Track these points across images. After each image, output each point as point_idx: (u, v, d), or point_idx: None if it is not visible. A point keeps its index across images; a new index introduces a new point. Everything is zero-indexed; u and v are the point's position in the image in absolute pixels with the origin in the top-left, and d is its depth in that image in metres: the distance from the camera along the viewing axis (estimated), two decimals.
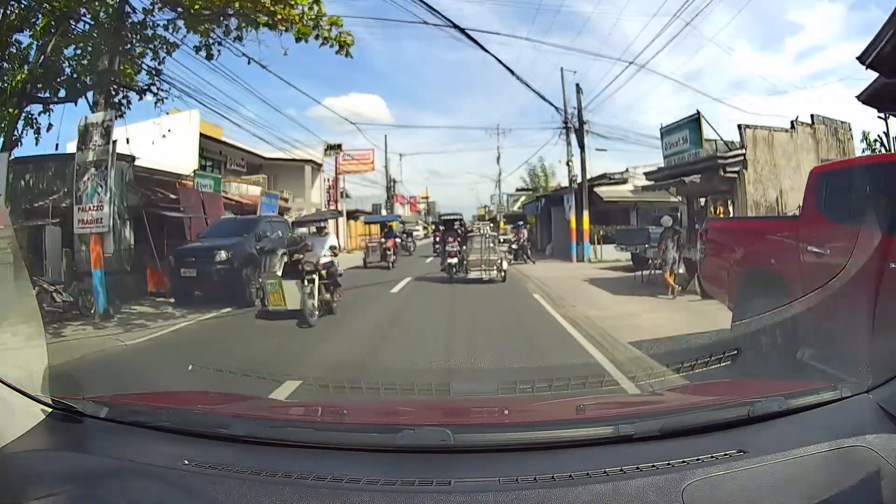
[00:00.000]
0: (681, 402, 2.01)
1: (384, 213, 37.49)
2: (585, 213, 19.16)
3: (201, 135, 20.10)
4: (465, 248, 13.24)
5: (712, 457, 1.22)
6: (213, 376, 4.06)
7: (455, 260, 13.10)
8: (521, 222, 19.87)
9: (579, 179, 19.79)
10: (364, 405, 2.64)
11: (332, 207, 29.88)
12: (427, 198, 70.85)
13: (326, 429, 1.51)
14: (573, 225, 19.53)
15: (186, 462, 1.29)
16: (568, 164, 20.08)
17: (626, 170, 21.05)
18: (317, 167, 30.19)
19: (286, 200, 24.52)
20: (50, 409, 1.49)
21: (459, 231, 14.09)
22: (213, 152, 22.97)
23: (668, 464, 1.20)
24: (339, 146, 32.02)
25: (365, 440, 1.40)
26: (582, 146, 19.64)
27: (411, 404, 2.63)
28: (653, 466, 1.19)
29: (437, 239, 22.36)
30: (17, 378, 1.60)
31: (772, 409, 1.41)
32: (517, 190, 46.30)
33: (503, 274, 12.85)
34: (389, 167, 38.29)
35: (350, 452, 1.36)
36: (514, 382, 3.73)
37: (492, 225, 20.33)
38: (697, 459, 1.21)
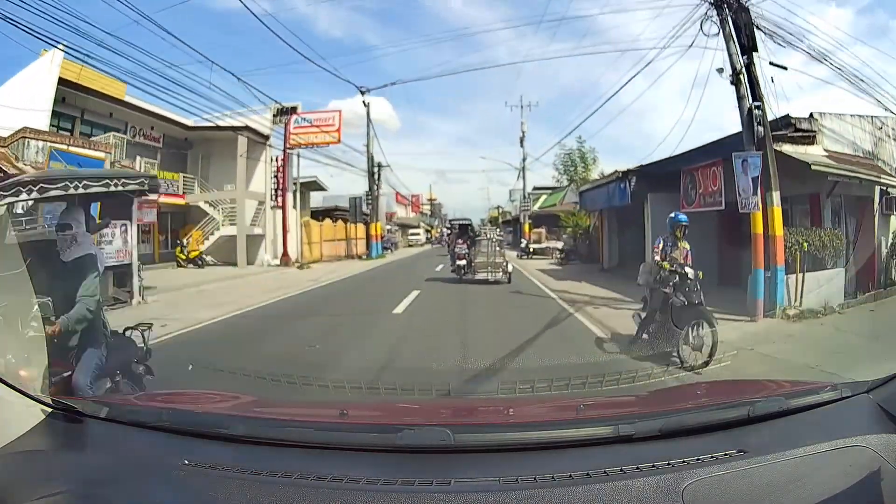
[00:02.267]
0: (681, 402, 2.01)
1: (366, 208, 27.99)
2: (776, 199, 8.13)
3: (86, 89, 14.39)
4: (472, 250, 14.05)
5: (712, 457, 1.22)
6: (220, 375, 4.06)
7: (464, 262, 13.92)
8: (678, 216, 6.13)
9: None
10: (364, 405, 2.64)
11: (279, 200, 21.50)
12: (434, 199, 67.96)
13: (326, 429, 1.51)
14: (758, 228, 8.14)
15: (186, 462, 1.29)
16: (736, 82, 8.39)
17: (811, 115, 9.61)
18: (260, 139, 21.21)
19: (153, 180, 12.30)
20: (50, 409, 1.49)
21: (470, 234, 14.95)
22: (100, 115, 16.29)
23: (668, 464, 1.20)
24: (294, 109, 21.99)
25: (365, 440, 1.40)
26: (751, 45, 8.32)
27: (411, 404, 2.63)
28: (653, 466, 1.19)
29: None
30: (17, 378, 1.61)
31: (772, 409, 1.41)
32: (535, 188, 38.16)
33: (508, 276, 13.56)
34: (372, 144, 27.13)
35: (350, 452, 1.36)
36: (514, 382, 3.74)
37: (499, 230, 19.67)
38: (697, 459, 1.21)
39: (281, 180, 21.82)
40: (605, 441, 1.35)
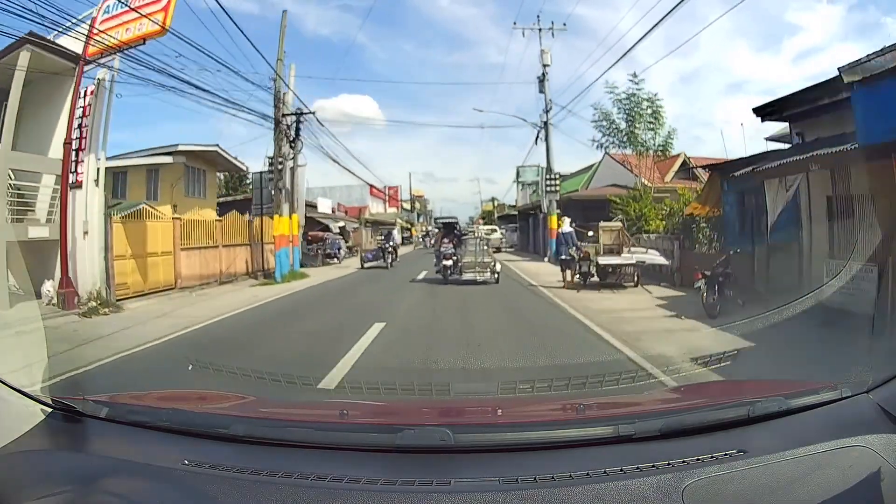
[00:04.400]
0: (681, 402, 2.01)
1: (267, 190, 16.57)
2: None
3: None
4: (459, 250, 13.45)
5: (712, 457, 1.22)
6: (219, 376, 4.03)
7: (450, 262, 13.26)
8: None
9: None
10: (364, 405, 2.64)
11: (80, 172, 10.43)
12: (421, 195, 61.81)
13: (326, 429, 1.51)
14: None
15: (186, 462, 1.29)
16: None
17: None
18: (64, 58, 10.62)
19: None
20: (50, 409, 1.49)
21: (456, 233, 14.46)
22: None
23: (669, 464, 1.20)
24: None
25: (365, 440, 1.40)
26: None
27: (411, 404, 2.64)
28: (653, 466, 1.19)
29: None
30: (17, 377, 1.61)
31: (772, 409, 1.41)
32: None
33: (496, 276, 12.87)
34: (284, 69, 16.37)
35: (350, 452, 1.36)
36: (514, 382, 3.75)
37: (497, 229, 17.91)
38: (697, 459, 1.21)
39: (84, 130, 10.75)
40: (605, 441, 1.35)
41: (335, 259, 23.15)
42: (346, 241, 27.32)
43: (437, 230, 19.01)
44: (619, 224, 13.48)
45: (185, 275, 13.83)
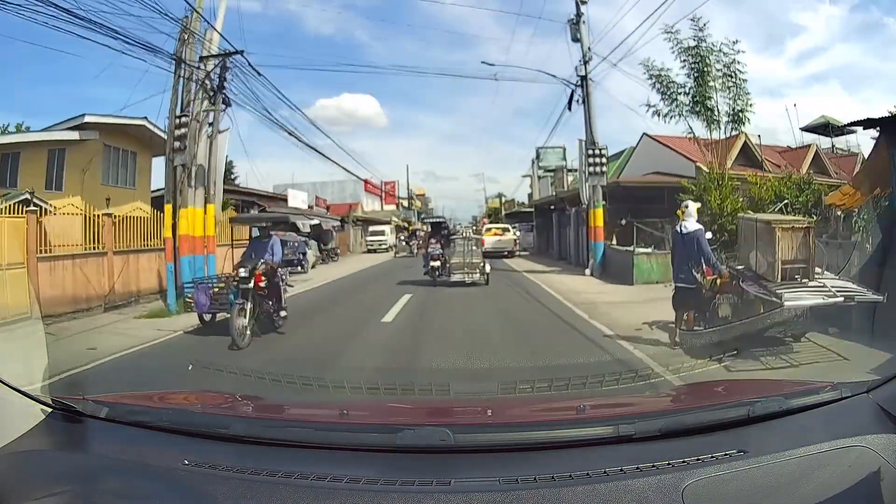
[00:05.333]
0: (681, 402, 2.01)
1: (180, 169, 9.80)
2: None
3: None
4: (447, 251, 13.15)
5: (712, 457, 1.22)
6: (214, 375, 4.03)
7: (438, 263, 12.96)
8: None
9: None
10: (364, 405, 2.65)
11: None
12: (423, 194, 59.52)
13: (326, 429, 1.51)
14: None
15: (186, 462, 1.29)
16: None
17: None
18: None
19: None
20: (50, 409, 1.50)
21: (443, 233, 14.17)
22: None
23: (669, 464, 1.20)
24: None
25: (365, 440, 1.40)
26: None
27: (411, 404, 2.64)
28: (653, 466, 1.19)
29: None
30: (17, 378, 1.61)
31: (772, 409, 1.41)
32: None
33: (486, 277, 12.59)
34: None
35: (350, 452, 1.36)
36: (514, 382, 3.75)
37: (500, 227, 17.32)
38: (697, 459, 1.21)
39: None
40: (605, 441, 1.35)
41: (298, 267, 16.31)
42: (326, 244, 22.61)
43: (428, 229, 16.99)
44: (806, 220, 6.30)
45: (50, 297, 8.93)
